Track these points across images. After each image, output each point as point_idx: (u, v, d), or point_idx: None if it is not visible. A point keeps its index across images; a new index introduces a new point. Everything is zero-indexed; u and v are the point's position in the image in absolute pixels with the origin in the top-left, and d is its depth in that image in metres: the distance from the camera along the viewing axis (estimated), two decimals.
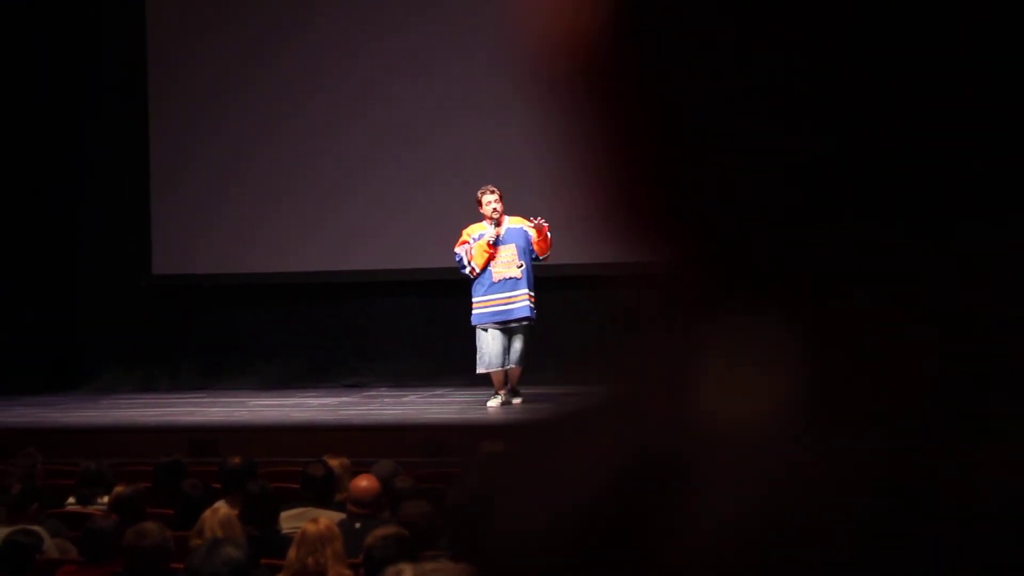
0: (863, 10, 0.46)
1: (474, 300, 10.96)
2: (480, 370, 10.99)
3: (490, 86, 13.17)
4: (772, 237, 0.47)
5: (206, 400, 12.55)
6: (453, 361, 12.94)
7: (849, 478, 0.42)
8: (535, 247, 10.88)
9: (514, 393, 10.91)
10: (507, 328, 10.89)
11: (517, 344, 10.85)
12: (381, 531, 5.54)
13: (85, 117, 14.35)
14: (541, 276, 11.05)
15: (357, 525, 6.56)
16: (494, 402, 11.02)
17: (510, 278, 10.86)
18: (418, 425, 10.47)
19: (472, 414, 10.92)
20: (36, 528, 6.67)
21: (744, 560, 0.42)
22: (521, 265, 10.86)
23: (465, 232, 11.02)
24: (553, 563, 0.46)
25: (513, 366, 10.89)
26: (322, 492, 7.32)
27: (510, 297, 10.86)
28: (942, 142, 0.46)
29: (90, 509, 7.55)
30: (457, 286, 13.10)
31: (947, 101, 0.46)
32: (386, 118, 13.55)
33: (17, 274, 14.01)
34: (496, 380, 11.01)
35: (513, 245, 10.88)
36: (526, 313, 10.82)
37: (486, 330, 10.90)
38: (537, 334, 10.83)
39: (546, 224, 10.77)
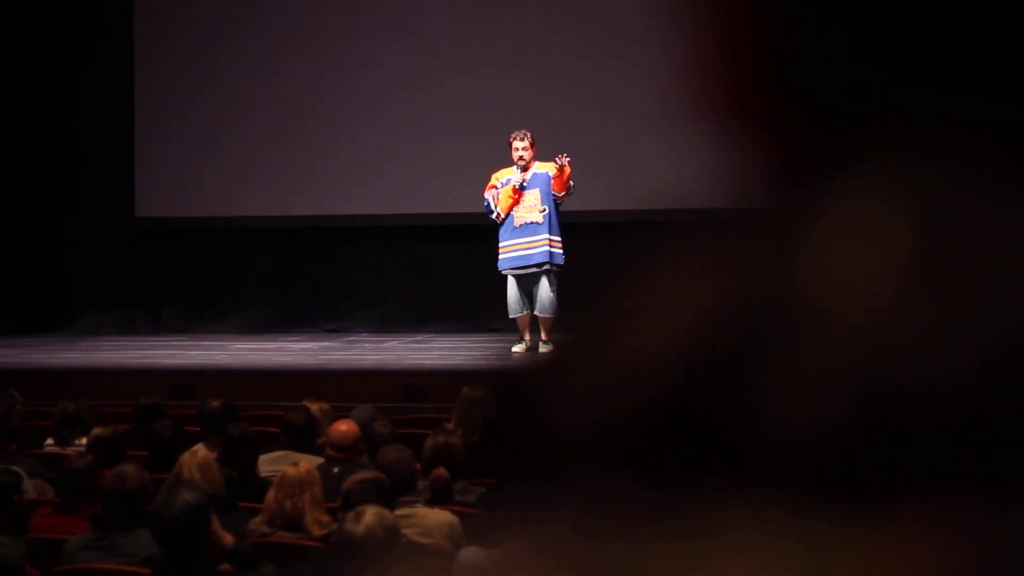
0: None
1: (500, 246, 10.83)
2: (509, 316, 10.89)
3: (494, 34, 13.13)
4: (871, 105, 0.47)
5: (187, 343, 12.54)
6: (435, 307, 12.95)
7: (958, 347, 0.42)
8: (552, 184, 10.68)
9: (545, 343, 10.71)
10: (527, 274, 10.76)
11: (542, 291, 10.64)
12: (359, 475, 5.55)
13: (69, 55, 14.27)
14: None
15: (335, 469, 6.57)
16: (518, 347, 10.90)
17: (531, 223, 10.70)
18: (398, 371, 10.49)
19: (452, 360, 10.93)
20: (15, 468, 6.68)
21: (847, 430, 0.42)
22: (544, 210, 10.69)
23: (494, 176, 10.85)
24: (631, 438, 0.45)
25: (540, 314, 10.69)
26: (303, 438, 7.33)
27: (530, 242, 10.71)
28: None
29: (68, 451, 7.55)
30: (440, 232, 13.11)
31: None
32: (382, 65, 13.49)
33: None
34: (520, 325, 10.89)
35: (537, 190, 10.72)
36: (544, 259, 10.64)
37: (510, 276, 10.79)
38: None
39: (568, 161, 10.59)
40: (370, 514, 4.47)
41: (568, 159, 10.60)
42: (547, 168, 10.77)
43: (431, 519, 5.72)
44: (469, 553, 4.95)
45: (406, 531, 5.26)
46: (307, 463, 6.23)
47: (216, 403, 7.69)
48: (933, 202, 0.44)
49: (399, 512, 5.34)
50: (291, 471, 5.90)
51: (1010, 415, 0.41)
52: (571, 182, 10.67)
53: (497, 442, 0.50)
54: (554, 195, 10.71)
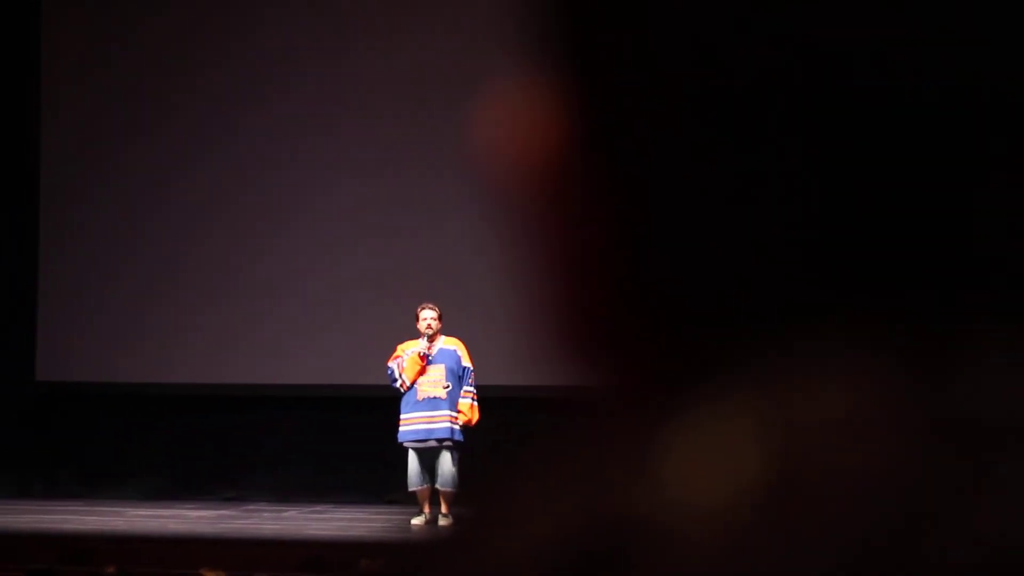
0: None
1: (401, 418, 10.89)
2: (409, 489, 10.89)
3: (407, 206, 13.25)
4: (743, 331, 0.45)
5: (83, 508, 12.37)
6: (335, 478, 12.89)
7: (807, 570, 0.41)
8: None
9: (445, 516, 10.73)
10: (428, 448, 10.81)
11: (443, 465, 10.69)
12: None
13: None
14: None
15: None
16: (417, 520, 10.90)
17: (434, 397, 10.80)
18: (297, 540, 10.40)
19: (352, 531, 10.87)
20: None
21: None
22: (447, 387, 10.80)
23: (400, 347, 10.96)
24: None
25: (441, 488, 10.71)
26: None
27: (431, 417, 10.78)
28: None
29: None
30: (341, 403, 13.10)
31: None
32: (279, 239, 13.57)
33: None
34: (420, 498, 10.89)
35: (443, 366, 10.84)
36: (446, 435, 10.72)
37: (411, 449, 10.83)
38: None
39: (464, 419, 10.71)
40: None
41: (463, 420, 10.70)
42: (455, 346, 10.89)
43: None
44: None
45: None
46: None
47: (111, 569, 7.60)
48: (796, 420, 0.43)
49: None
50: None
51: None
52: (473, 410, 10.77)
53: None
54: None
